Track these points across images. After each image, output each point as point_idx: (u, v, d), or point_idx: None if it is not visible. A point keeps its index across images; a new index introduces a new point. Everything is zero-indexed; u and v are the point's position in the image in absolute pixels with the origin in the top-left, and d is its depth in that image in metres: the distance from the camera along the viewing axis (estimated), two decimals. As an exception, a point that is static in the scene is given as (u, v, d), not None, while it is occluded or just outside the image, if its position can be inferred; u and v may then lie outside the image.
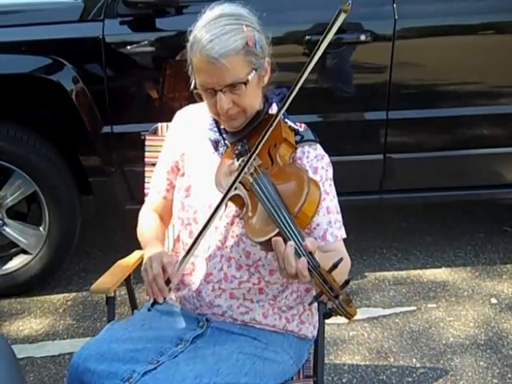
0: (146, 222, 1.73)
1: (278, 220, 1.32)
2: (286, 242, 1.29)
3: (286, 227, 1.31)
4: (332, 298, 1.23)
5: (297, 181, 1.40)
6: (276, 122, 1.44)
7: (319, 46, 1.37)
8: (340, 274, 1.28)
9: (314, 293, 1.35)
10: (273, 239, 1.30)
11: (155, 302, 1.47)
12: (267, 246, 1.34)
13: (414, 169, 2.91)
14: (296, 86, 1.40)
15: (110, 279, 1.79)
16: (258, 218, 1.39)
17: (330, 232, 1.52)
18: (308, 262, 1.26)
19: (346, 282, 1.25)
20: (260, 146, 1.43)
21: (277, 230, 1.31)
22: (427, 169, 2.91)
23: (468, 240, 3.38)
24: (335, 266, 1.25)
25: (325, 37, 1.36)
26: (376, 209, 3.58)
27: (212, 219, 1.45)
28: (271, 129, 1.43)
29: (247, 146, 1.50)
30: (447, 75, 2.78)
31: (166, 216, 1.75)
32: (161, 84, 2.69)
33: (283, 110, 1.45)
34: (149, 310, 1.55)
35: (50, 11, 2.65)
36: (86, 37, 2.61)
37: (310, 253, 1.27)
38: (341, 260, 1.26)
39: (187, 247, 1.56)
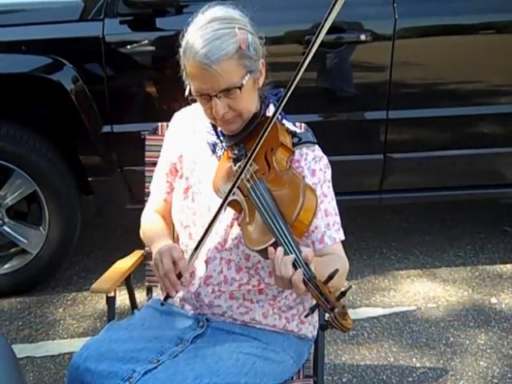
0: (150, 221, 1.72)
1: (275, 229, 1.32)
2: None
3: (282, 237, 1.31)
4: (328, 310, 1.23)
5: (293, 188, 1.40)
6: (271, 126, 1.42)
7: (317, 36, 1.34)
8: (338, 277, 1.28)
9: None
10: (269, 249, 1.30)
11: (168, 296, 1.49)
12: (264, 254, 1.34)
13: (414, 168, 2.91)
14: (293, 83, 1.38)
15: (110, 279, 1.78)
16: (255, 226, 1.39)
17: (329, 234, 1.52)
18: (304, 274, 1.26)
19: (343, 294, 1.24)
20: (255, 152, 1.42)
21: (273, 240, 1.31)
22: (427, 168, 2.91)
23: (468, 240, 3.38)
24: (331, 277, 1.24)
25: (323, 25, 1.32)
26: (376, 208, 3.58)
27: (212, 225, 1.46)
28: (266, 134, 1.42)
29: (244, 150, 1.48)
30: (447, 75, 2.78)
31: (168, 217, 1.74)
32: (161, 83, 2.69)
33: (277, 114, 1.43)
34: (162, 304, 1.56)
35: (49, 10, 2.64)
36: (86, 36, 2.61)
37: (306, 264, 1.27)
38: (336, 271, 1.25)
39: (189, 247, 1.57)
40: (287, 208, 1.36)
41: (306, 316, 1.36)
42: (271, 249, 1.30)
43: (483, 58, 2.73)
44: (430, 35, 2.72)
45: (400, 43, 2.64)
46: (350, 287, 1.33)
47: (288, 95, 1.39)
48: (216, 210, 1.47)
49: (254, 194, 1.41)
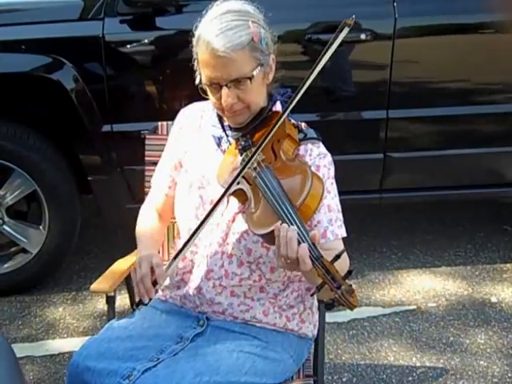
0: (145, 221, 1.73)
1: (281, 212, 1.33)
2: None
3: (289, 219, 1.32)
4: (334, 289, 1.24)
5: (300, 175, 1.42)
6: (282, 119, 1.45)
7: (321, 58, 1.40)
8: (342, 262, 1.29)
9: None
10: (276, 225, 1.30)
11: (140, 302, 1.49)
12: (269, 238, 1.34)
13: (414, 168, 2.91)
14: (300, 90, 1.42)
15: (109, 278, 1.78)
16: (260, 212, 1.40)
17: (331, 230, 1.53)
18: (311, 252, 1.27)
19: (349, 273, 1.26)
20: (265, 142, 1.44)
21: (279, 222, 1.32)
22: (427, 168, 2.91)
23: (468, 239, 3.38)
24: (338, 256, 1.26)
25: (327, 49, 1.40)
26: (376, 208, 3.57)
27: (211, 214, 1.46)
28: (277, 125, 1.44)
29: (250, 142, 1.51)
30: (447, 74, 2.77)
31: (166, 214, 1.75)
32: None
33: (289, 110, 1.45)
34: (133, 310, 1.56)
35: (49, 10, 2.64)
36: (86, 35, 2.60)
37: (314, 244, 1.28)
38: (343, 251, 1.27)
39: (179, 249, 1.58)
40: (294, 193, 1.37)
41: (311, 294, 1.37)
42: (277, 224, 1.31)
43: (484, 57, 2.73)
44: (430, 34, 2.72)
45: (400, 42, 2.64)
46: (354, 268, 1.35)
47: (298, 97, 1.43)
48: (222, 199, 1.47)
49: (260, 181, 1.42)
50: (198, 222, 1.59)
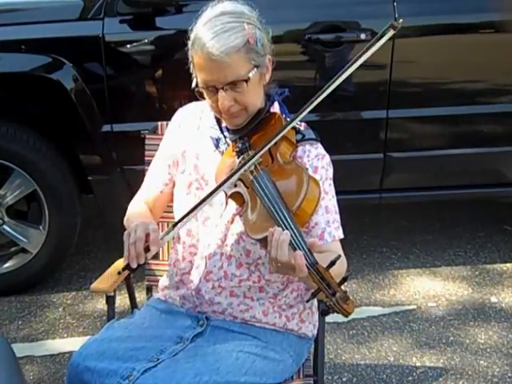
0: (136, 210, 1.70)
1: (277, 217, 1.33)
2: None
3: (284, 224, 1.31)
4: (329, 295, 1.24)
5: (296, 178, 1.41)
6: (286, 129, 1.44)
7: (362, 55, 1.32)
8: (338, 267, 1.28)
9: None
10: (270, 230, 1.30)
11: (128, 267, 1.43)
12: (266, 243, 1.34)
13: (414, 167, 2.91)
14: (316, 99, 1.40)
15: (109, 278, 1.78)
16: (257, 216, 1.40)
17: (328, 231, 1.52)
18: (306, 259, 1.26)
19: (344, 279, 1.25)
20: (265, 150, 1.43)
21: (274, 228, 1.31)
22: (427, 167, 2.91)
23: (468, 239, 3.38)
24: (333, 263, 1.25)
25: (368, 48, 1.31)
26: (376, 208, 3.57)
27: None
28: (280, 134, 1.43)
29: (248, 144, 1.50)
30: (447, 74, 2.78)
31: (156, 210, 1.74)
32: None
33: (297, 120, 1.44)
34: (119, 273, 1.53)
35: (49, 10, 2.64)
36: (86, 35, 2.60)
37: (309, 250, 1.28)
38: (338, 257, 1.26)
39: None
40: (290, 197, 1.37)
41: (307, 301, 1.36)
42: (271, 230, 1.30)
43: (483, 56, 2.73)
44: (430, 34, 2.72)
45: (400, 42, 2.64)
46: (351, 274, 1.34)
47: (310, 108, 1.41)
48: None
49: (257, 184, 1.42)
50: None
